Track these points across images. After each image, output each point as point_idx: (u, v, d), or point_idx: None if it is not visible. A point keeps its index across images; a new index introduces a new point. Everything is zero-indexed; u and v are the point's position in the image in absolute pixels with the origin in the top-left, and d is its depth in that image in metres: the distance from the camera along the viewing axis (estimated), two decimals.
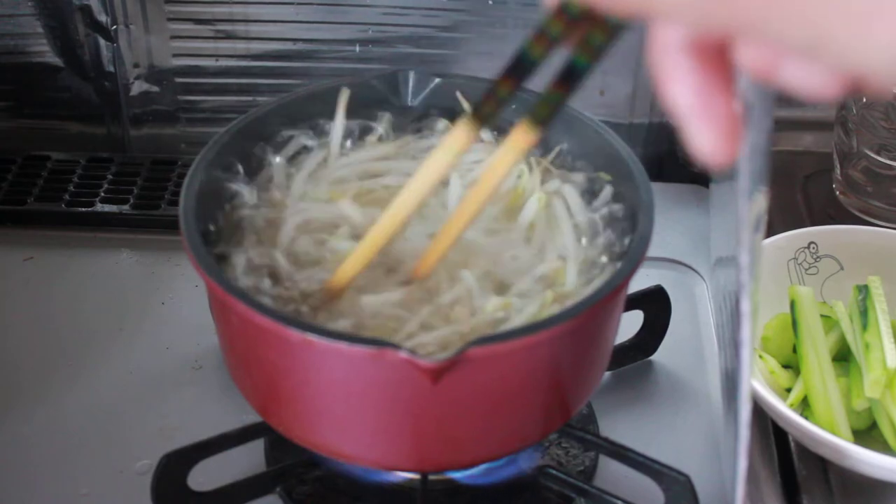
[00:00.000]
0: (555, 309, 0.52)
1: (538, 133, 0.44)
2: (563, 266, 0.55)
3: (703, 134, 0.33)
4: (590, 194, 0.59)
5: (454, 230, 0.51)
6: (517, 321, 0.51)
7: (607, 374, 0.68)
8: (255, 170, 0.59)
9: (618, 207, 0.58)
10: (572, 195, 0.58)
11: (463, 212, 0.50)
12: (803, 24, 0.28)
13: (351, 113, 0.62)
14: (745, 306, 0.45)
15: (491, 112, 0.44)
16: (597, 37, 0.38)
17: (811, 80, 0.30)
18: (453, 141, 0.47)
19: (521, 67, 0.41)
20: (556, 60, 0.41)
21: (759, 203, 0.43)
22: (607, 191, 0.58)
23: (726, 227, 0.55)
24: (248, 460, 0.60)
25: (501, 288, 0.54)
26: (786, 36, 0.28)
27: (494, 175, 0.48)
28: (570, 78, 0.41)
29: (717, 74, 0.32)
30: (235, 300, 0.48)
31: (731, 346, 0.51)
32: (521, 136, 0.45)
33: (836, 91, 0.30)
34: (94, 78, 0.87)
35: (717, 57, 0.32)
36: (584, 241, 0.57)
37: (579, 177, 0.59)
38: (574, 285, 0.54)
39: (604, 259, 0.55)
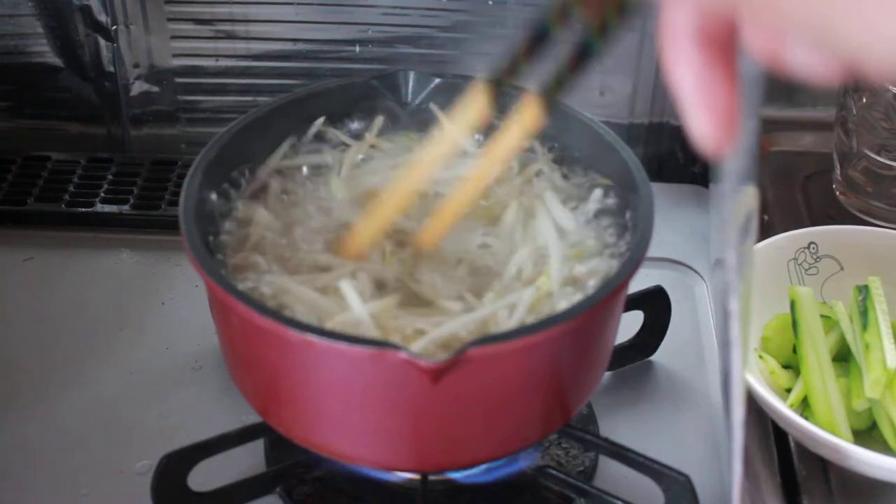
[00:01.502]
0: (544, 306, 0.52)
1: (544, 110, 0.46)
2: (545, 265, 0.55)
3: (702, 120, 0.34)
4: (582, 196, 0.59)
5: (460, 202, 0.52)
6: (514, 318, 0.51)
7: (607, 374, 0.68)
8: (255, 171, 0.60)
9: (617, 208, 0.58)
10: (553, 199, 0.58)
11: (470, 184, 0.52)
12: (807, 10, 0.28)
13: (351, 113, 0.63)
14: (734, 306, 0.45)
15: (506, 81, 0.46)
16: (611, 17, 0.40)
17: (814, 65, 0.31)
18: (469, 109, 0.48)
19: (539, 39, 0.43)
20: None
21: (745, 202, 0.43)
22: (599, 192, 0.59)
23: None
24: (248, 460, 0.60)
25: (483, 289, 0.54)
26: (790, 21, 0.29)
27: (500, 148, 0.49)
28: (582, 58, 0.42)
29: (720, 64, 0.33)
30: (235, 300, 0.48)
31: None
32: (528, 112, 0.46)
33: (837, 76, 0.31)
34: (94, 78, 0.87)
35: (722, 47, 0.33)
36: (567, 240, 0.57)
37: (567, 182, 0.60)
38: (558, 283, 0.54)
39: (602, 259, 0.56)
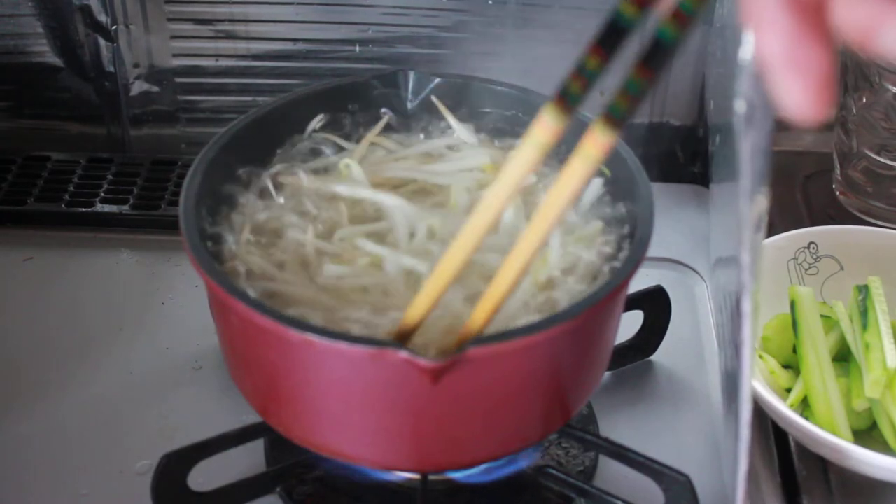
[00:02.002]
0: (542, 297, 0.52)
1: (615, 134, 0.39)
2: (543, 255, 0.54)
3: (793, 87, 0.30)
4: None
5: (514, 271, 0.45)
6: (508, 308, 0.51)
7: (607, 374, 0.68)
8: (255, 171, 0.60)
9: (617, 207, 0.58)
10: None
11: (524, 246, 0.44)
12: None
13: (351, 113, 0.63)
14: (747, 306, 0.45)
15: (578, 94, 0.38)
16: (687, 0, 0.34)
17: None
18: (536, 135, 0.41)
19: (611, 34, 0.36)
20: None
21: (760, 203, 0.43)
22: (598, 181, 0.59)
23: (726, 227, 0.55)
24: (248, 460, 0.60)
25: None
26: None
27: (561, 196, 0.42)
28: (655, 57, 0.36)
29: (811, 25, 0.30)
30: (235, 300, 0.48)
31: (732, 346, 0.51)
32: (594, 143, 0.40)
33: None
34: (94, 78, 0.87)
35: (812, 12, 0.30)
36: (570, 229, 0.57)
37: (598, 181, 0.60)
38: (557, 270, 0.53)
39: (599, 259, 0.55)
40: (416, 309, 0.48)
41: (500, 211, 0.43)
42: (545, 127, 0.40)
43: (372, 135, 0.62)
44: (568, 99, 0.39)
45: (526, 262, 0.45)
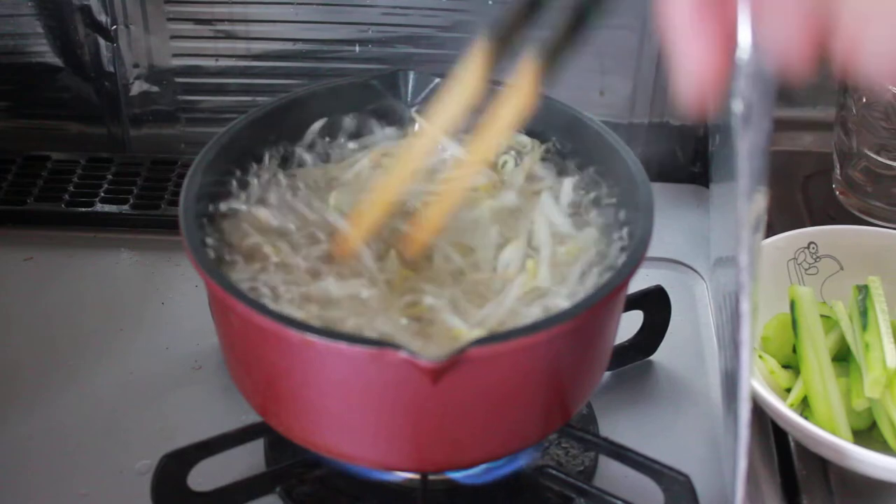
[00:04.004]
0: (530, 302, 0.52)
1: (540, 81, 0.42)
2: (534, 261, 0.54)
3: (695, 51, 0.33)
4: (583, 191, 0.59)
5: (449, 198, 0.50)
6: (499, 312, 0.51)
7: (607, 374, 0.68)
8: (255, 171, 0.60)
9: (616, 207, 0.58)
10: (549, 200, 0.58)
11: (460, 174, 0.49)
12: None
13: (350, 114, 0.63)
14: (745, 306, 0.45)
15: (512, 34, 0.41)
16: None
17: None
18: (473, 67, 0.44)
19: (533, 2, 0.39)
20: None
21: (758, 203, 0.43)
22: (601, 191, 0.59)
23: (726, 227, 0.55)
24: (248, 460, 0.61)
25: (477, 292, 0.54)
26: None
27: (491, 129, 0.45)
28: (579, 24, 0.39)
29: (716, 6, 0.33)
30: (235, 300, 0.48)
31: (731, 346, 0.51)
32: (523, 85, 0.42)
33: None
34: (94, 78, 0.87)
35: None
36: (562, 239, 0.56)
37: (569, 182, 0.60)
38: (547, 281, 0.54)
39: (600, 259, 0.55)
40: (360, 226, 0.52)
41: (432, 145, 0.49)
42: (478, 62, 0.43)
43: (373, 154, 0.62)
44: (503, 38, 0.41)
45: (450, 204, 0.49)
